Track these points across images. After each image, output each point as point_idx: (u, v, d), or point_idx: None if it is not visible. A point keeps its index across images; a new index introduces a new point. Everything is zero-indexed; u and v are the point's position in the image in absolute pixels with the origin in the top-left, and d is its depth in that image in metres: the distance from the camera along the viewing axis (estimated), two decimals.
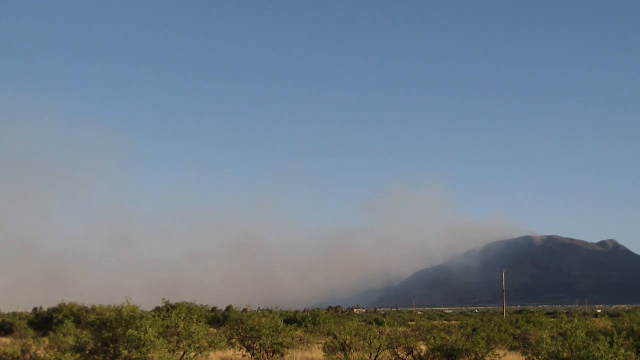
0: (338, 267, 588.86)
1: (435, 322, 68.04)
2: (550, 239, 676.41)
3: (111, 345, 18.66)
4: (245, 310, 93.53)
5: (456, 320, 75.22)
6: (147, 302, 48.69)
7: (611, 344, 18.36)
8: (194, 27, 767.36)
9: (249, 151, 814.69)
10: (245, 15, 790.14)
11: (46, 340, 25.54)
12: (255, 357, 26.44)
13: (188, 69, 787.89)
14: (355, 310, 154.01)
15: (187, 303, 45.69)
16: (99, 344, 18.99)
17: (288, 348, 27.90)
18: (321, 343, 30.70)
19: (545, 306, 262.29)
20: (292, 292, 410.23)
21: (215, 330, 33.97)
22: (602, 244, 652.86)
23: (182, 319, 20.83)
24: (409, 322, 72.77)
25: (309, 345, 33.66)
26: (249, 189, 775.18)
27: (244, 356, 26.41)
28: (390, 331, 29.92)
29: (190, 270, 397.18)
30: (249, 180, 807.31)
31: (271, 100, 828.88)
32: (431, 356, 23.17)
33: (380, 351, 24.46)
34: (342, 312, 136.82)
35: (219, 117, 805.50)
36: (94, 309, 39.89)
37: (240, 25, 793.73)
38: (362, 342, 24.81)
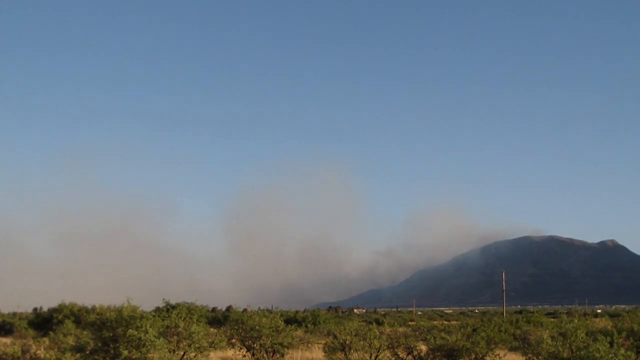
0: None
1: (435, 322, 68.07)
2: (550, 239, 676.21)
3: (111, 345, 18.65)
4: (245, 310, 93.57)
5: (456, 320, 75.16)
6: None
7: (611, 344, 18.34)
8: None
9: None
10: None
11: (46, 340, 25.55)
12: (255, 357, 26.44)
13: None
14: (355, 310, 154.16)
15: (187, 303, 45.67)
16: (99, 344, 18.99)
17: (288, 348, 27.90)
18: (321, 343, 30.67)
19: (545, 306, 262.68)
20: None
21: (215, 330, 33.95)
22: (602, 244, 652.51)
23: (182, 318, 20.85)
24: (409, 322, 72.78)
25: (309, 345, 33.65)
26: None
27: (244, 356, 26.41)
28: (390, 331, 29.84)
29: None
30: None
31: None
32: (431, 356, 23.16)
33: (380, 351, 24.42)
34: (342, 312, 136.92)
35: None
36: (94, 308, 39.87)
37: None
38: (362, 342, 24.77)
